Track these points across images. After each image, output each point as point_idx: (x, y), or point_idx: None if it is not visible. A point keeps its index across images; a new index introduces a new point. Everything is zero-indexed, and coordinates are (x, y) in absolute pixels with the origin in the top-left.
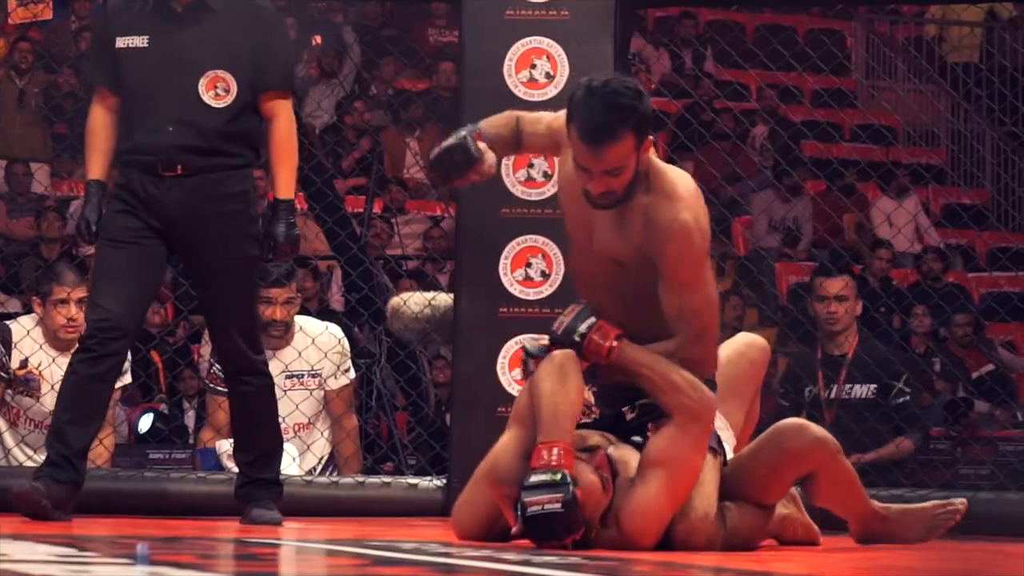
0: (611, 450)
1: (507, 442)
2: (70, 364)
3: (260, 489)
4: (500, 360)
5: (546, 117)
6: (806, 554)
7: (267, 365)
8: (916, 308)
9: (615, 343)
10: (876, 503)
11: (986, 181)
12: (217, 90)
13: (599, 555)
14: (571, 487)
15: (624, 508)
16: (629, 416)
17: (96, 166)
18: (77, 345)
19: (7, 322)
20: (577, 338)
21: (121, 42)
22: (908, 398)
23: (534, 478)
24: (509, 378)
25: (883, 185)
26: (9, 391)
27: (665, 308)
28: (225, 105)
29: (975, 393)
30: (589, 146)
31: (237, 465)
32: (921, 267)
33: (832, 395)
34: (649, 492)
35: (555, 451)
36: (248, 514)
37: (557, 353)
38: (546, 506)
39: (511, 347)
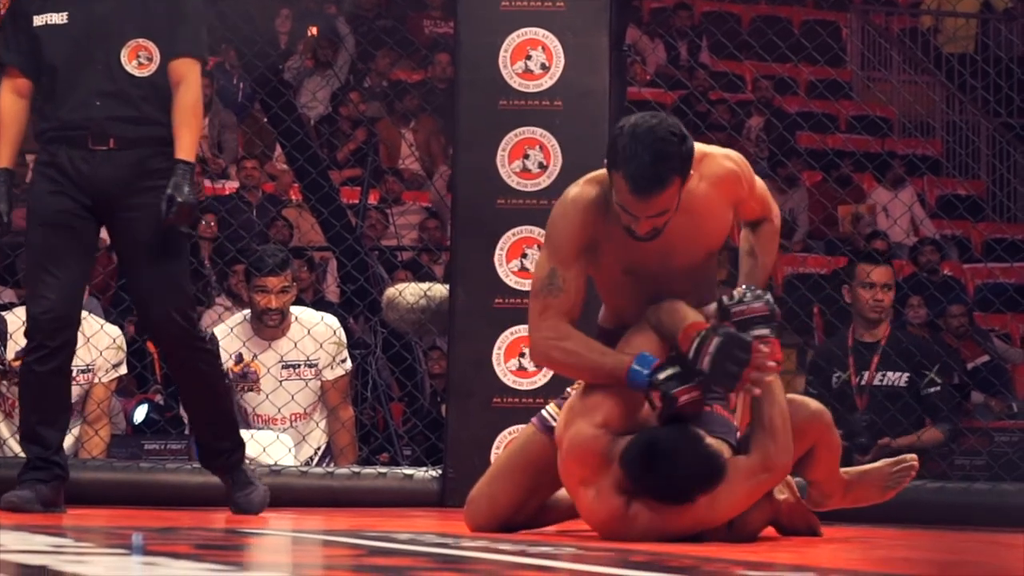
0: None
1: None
2: (24, 363)
3: (229, 460)
4: (496, 351)
5: (554, 267)
6: (806, 545)
7: (207, 342)
8: (912, 299)
9: (772, 364)
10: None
11: (981, 172)
12: (140, 59)
13: (594, 546)
14: (715, 329)
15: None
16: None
17: (4, 154)
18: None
19: (2, 312)
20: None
21: (39, 20)
22: (939, 388)
23: (691, 351)
24: (504, 369)
25: (879, 176)
26: (4, 382)
27: (748, 212)
28: (149, 74)
29: (970, 384)
30: (638, 197)
31: (199, 443)
32: (918, 259)
33: (864, 381)
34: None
35: (688, 331)
36: (234, 498)
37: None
38: (710, 349)
39: (507, 338)
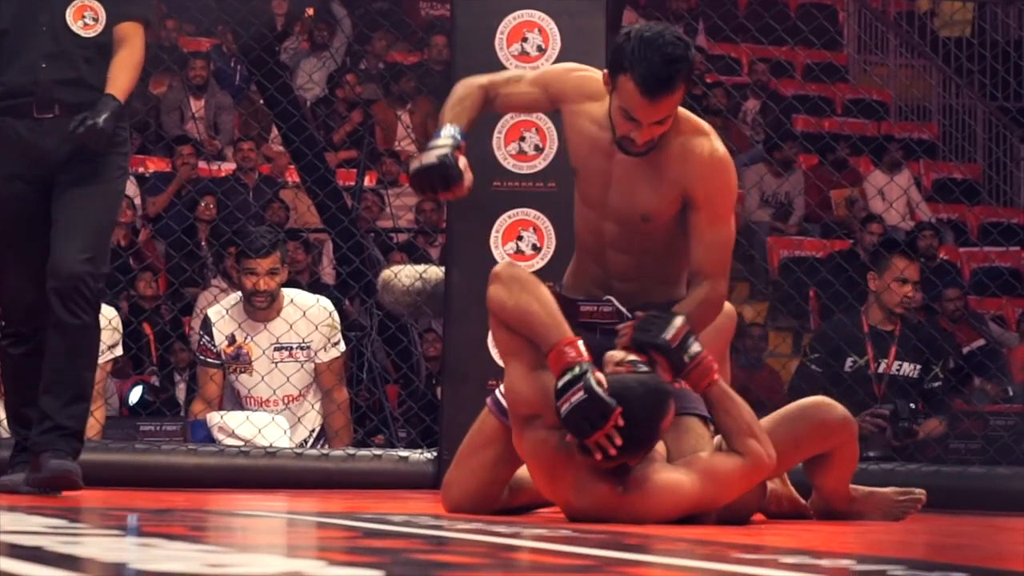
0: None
1: (518, 374)
2: (1, 347)
3: (61, 439)
4: (491, 333)
5: (526, 75)
6: (800, 529)
7: (97, 310)
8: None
9: (716, 377)
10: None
11: (977, 156)
12: (85, 19)
13: (589, 528)
14: (589, 375)
15: (655, 478)
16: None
17: None
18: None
19: None
20: (687, 359)
21: None
22: (940, 383)
23: (559, 383)
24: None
25: (875, 159)
26: None
27: (695, 246)
28: (95, 34)
29: (966, 368)
30: (647, 98)
31: (41, 409)
32: (917, 243)
33: (882, 369)
34: (689, 485)
35: (567, 349)
36: (45, 465)
37: (502, 270)
38: (573, 400)
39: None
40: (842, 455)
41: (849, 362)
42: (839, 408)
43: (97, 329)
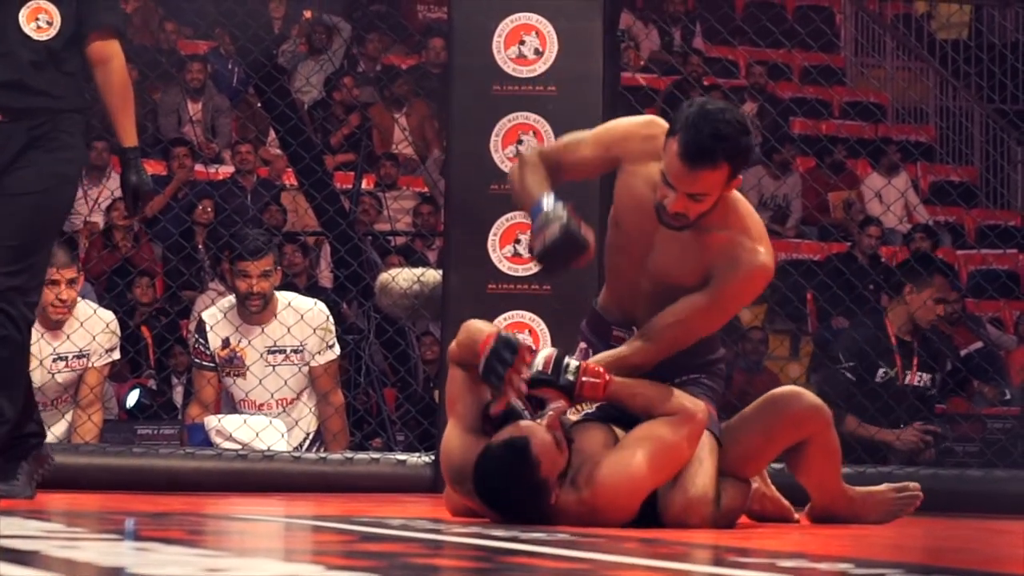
0: (569, 415)
1: (453, 435)
2: None
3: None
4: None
5: (586, 137)
6: (792, 532)
7: (20, 327)
8: (906, 286)
9: (607, 378)
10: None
11: (975, 158)
12: (39, 22)
13: (586, 532)
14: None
15: (600, 470)
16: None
17: None
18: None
19: None
20: (571, 377)
21: None
22: (935, 391)
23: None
24: None
25: (872, 162)
26: None
27: (672, 310)
28: (48, 38)
29: (964, 371)
30: (686, 165)
31: None
32: (911, 247)
33: (907, 380)
34: (631, 459)
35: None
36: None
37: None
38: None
39: (499, 323)
40: (818, 444)
41: (881, 372)
42: (809, 396)
43: (16, 347)
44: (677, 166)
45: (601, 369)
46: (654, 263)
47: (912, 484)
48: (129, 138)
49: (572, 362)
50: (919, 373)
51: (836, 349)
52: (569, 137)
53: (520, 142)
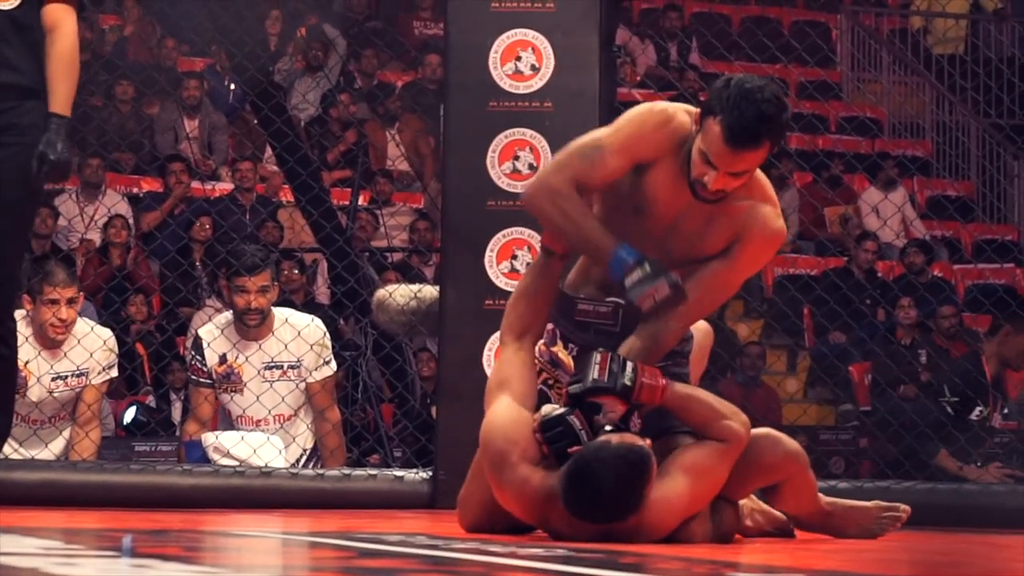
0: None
1: (506, 410)
2: None
3: None
4: (486, 352)
5: (603, 145)
6: (788, 547)
7: (14, 337)
8: (902, 300)
9: (664, 381)
10: (823, 498)
11: (971, 173)
12: None
13: (585, 547)
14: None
15: (652, 495)
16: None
17: None
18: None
19: None
20: (628, 382)
21: None
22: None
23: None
24: None
25: (869, 177)
26: None
27: (696, 279)
28: (11, 7)
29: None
30: (731, 147)
31: None
32: (906, 262)
33: (995, 422)
34: (678, 489)
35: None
36: None
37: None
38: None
39: (497, 340)
40: (793, 485)
41: (977, 411)
42: (785, 443)
43: (11, 365)
44: (721, 148)
45: (659, 373)
46: (677, 239)
47: (903, 506)
48: (61, 106)
49: (628, 366)
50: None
51: (940, 380)
52: (583, 150)
53: (517, 158)
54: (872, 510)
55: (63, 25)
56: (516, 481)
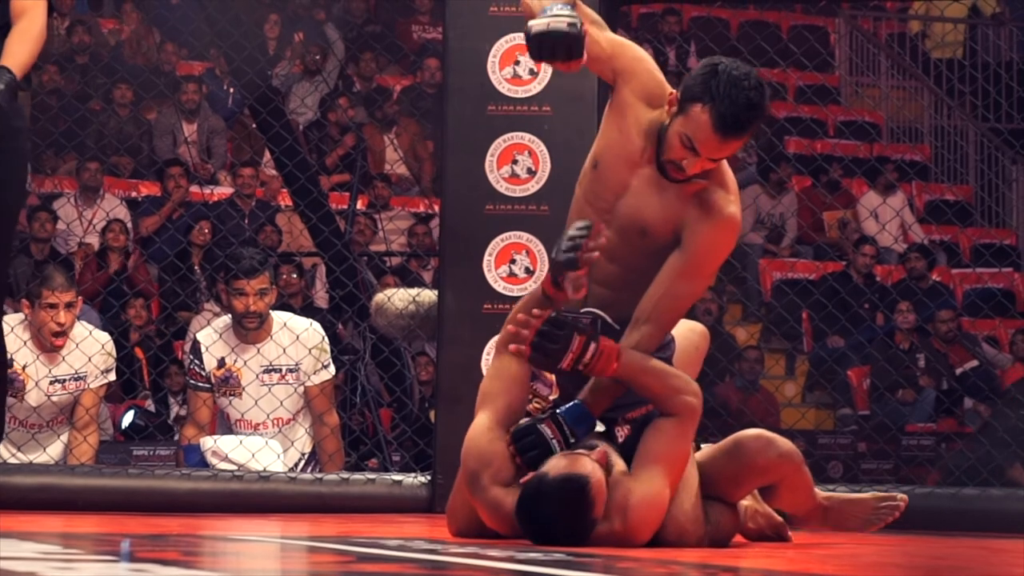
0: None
1: (483, 427)
2: None
3: None
4: (484, 356)
5: (606, 29)
6: (786, 550)
7: (1, 338)
8: (900, 304)
9: (618, 347)
10: (819, 492)
11: (969, 177)
12: None
13: (584, 552)
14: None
15: (630, 501)
16: (622, 436)
17: None
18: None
19: None
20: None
21: None
22: None
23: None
24: None
25: (868, 181)
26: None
27: (656, 285)
28: None
29: (959, 389)
30: (719, 134)
31: None
32: (907, 266)
33: None
34: (655, 486)
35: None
36: None
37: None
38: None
39: (491, 344)
40: (789, 485)
41: None
42: (777, 444)
43: (3, 371)
44: (709, 136)
45: (614, 351)
46: (626, 207)
47: (900, 495)
48: (11, 61)
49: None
50: None
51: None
52: (595, 15)
53: (515, 162)
54: (869, 501)
55: (30, 11)
56: (489, 503)
